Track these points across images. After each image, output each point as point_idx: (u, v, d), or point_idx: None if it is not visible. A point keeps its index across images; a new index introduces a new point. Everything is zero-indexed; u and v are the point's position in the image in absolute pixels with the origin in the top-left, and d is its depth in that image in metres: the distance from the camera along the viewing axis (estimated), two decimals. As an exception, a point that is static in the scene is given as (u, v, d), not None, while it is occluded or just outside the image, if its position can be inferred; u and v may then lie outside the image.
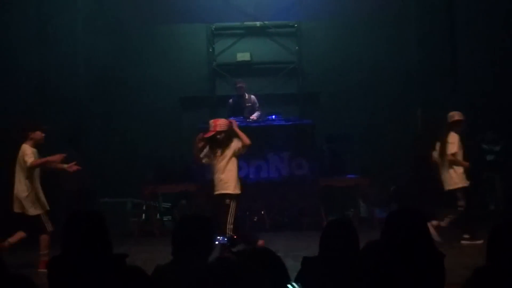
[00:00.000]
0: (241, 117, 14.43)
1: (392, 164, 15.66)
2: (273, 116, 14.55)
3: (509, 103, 14.86)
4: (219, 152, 10.81)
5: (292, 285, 4.03)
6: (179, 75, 16.97)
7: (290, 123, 14.45)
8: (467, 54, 15.69)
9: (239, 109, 14.77)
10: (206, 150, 10.90)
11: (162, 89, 16.73)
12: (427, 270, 4.16)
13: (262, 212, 13.65)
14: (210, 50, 17.52)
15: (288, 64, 17.40)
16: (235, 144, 10.85)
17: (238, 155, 10.88)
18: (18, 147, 10.37)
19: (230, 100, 15.11)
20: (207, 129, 14.57)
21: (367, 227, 12.20)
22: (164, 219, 14.60)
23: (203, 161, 10.99)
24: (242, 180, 13.83)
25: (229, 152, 10.79)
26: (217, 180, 10.76)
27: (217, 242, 10.15)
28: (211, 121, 11.27)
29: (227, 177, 10.72)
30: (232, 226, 10.41)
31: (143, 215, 14.73)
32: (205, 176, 14.34)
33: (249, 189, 12.95)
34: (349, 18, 16.77)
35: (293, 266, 4.59)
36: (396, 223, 4.33)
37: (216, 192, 10.77)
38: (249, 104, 14.81)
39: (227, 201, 10.56)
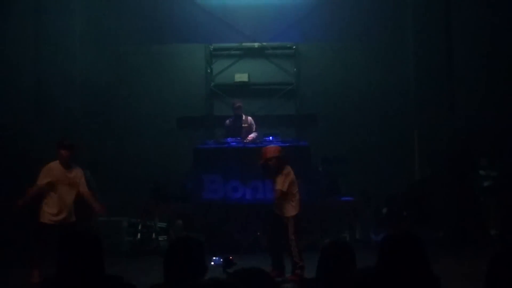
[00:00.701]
0: (238, 138, 14.47)
1: (388, 186, 15.62)
2: (270, 137, 14.49)
3: (505, 128, 14.87)
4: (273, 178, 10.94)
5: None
6: (176, 94, 17.00)
7: (287, 144, 14.38)
8: (465, 76, 15.75)
9: (236, 130, 14.77)
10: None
11: (159, 108, 16.74)
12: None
13: (258, 233, 13.60)
14: (208, 70, 17.56)
15: (285, 86, 17.42)
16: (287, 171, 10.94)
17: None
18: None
19: (227, 121, 15.08)
20: (203, 149, 14.72)
21: (363, 250, 12.13)
22: (160, 238, 14.53)
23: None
24: (238, 200, 13.97)
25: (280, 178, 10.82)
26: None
27: (212, 263, 10.19)
28: (262, 149, 11.50)
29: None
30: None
31: (139, 234, 14.67)
32: (201, 197, 14.38)
33: (245, 210, 12.97)
34: (347, 40, 16.83)
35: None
36: (389, 249, 4.29)
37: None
38: (246, 125, 14.78)
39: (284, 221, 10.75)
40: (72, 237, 4.52)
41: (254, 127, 14.83)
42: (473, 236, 14.45)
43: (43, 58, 15.71)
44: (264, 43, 17.33)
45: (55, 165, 10.51)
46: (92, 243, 4.41)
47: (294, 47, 17.51)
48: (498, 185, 14.77)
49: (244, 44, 17.34)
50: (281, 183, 10.72)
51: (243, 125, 14.79)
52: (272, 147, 11.41)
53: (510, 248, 3.97)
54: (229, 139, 14.67)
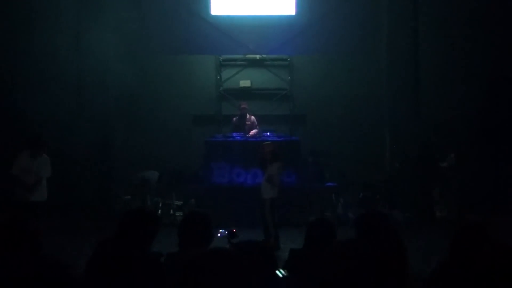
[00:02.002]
0: (242, 133, 14.49)
1: (365, 174, 15.63)
2: (268, 133, 14.53)
3: (459, 129, 14.86)
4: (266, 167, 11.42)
5: (280, 272, 3.99)
6: (192, 97, 16.93)
7: (281, 139, 14.45)
8: (429, 85, 15.73)
9: (240, 126, 14.78)
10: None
11: (177, 108, 16.67)
12: (391, 261, 4.12)
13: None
14: (218, 77, 17.46)
15: (281, 91, 17.33)
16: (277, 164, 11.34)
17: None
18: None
19: (234, 119, 15.08)
20: (213, 142, 14.75)
21: (343, 226, 12.18)
22: (176, 214, 14.53)
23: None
24: (241, 184, 13.98)
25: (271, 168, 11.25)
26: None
27: (219, 235, 10.19)
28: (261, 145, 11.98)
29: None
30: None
31: (159, 211, 14.68)
32: (210, 180, 14.39)
33: (247, 191, 12.96)
34: (332, 53, 16.73)
35: (282, 256, 4.58)
36: (364, 224, 4.31)
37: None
38: (249, 123, 14.79)
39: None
40: (136, 212, 4.53)
41: (255, 124, 14.82)
42: (431, 217, 14.55)
43: (84, 65, 15.67)
44: (264, 55, 17.23)
45: None
46: (152, 219, 4.44)
47: (288, 59, 17.41)
48: (450, 175, 14.83)
49: (247, 56, 17.23)
50: (273, 172, 11.20)
51: (246, 122, 14.79)
52: (268, 144, 11.59)
53: (466, 225, 4.01)
54: (234, 134, 14.68)
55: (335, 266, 2.99)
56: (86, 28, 15.60)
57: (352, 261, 3.01)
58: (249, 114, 14.96)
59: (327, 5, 16.55)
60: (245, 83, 17.33)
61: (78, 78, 15.81)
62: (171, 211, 14.77)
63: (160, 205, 14.90)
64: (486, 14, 15.11)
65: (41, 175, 10.31)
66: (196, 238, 4.30)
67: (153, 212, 4.59)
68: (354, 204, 14.81)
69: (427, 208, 14.87)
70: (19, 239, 4.02)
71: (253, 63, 17.48)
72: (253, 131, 14.61)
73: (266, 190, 11.20)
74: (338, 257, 3.06)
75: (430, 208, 14.97)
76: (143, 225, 4.42)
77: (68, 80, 15.38)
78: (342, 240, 3.53)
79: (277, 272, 3.94)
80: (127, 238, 4.34)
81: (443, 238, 4.08)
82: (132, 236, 4.33)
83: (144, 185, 15.00)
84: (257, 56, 17.30)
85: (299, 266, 4.26)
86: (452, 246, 3.86)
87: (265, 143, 11.95)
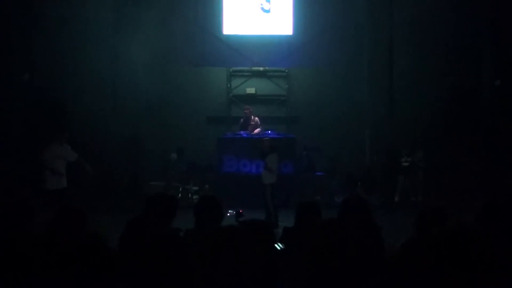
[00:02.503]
0: (247, 131, 14.52)
1: (348, 166, 15.66)
2: (269, 131, 14.56)
3: (429, 127, 14.86)
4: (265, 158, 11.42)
5: (278, 245, 4.02)
6: (206, 101, 16.96)
7: (280, 136, 14.50)
8: (400, 94, 15.73)
9: (246, 126, 14.79)
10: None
11: (195, 110, 16.71)
12: (368, 238, 4.15)
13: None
14: (228, 85, 17.47)
15: (280, 97, 17.34)
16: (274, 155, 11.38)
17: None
18: None
19: (241, 120, 15.08)
20: (224, 138, 14.76)
21: (329, 208, 12.17)
22: (194, 197, 14.56)
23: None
24: (246, 173, 13.99)
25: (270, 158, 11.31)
26: None
27: (228, 214, 10.25)
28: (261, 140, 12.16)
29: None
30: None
31: (179, 194, 14.72)
32: (222, 170, 14.42)
33: (251, 179, 12.98)
34: (322, 66, 16.73)
35: (280, 232, 4.61)
36: (346, 207, 4.34)
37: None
38: (253, 123, 14.77)
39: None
40: (159, 196, 4.58)
41: (258, 124, 14.81)
42: (403, 201, 14.60)
43: (119, 74, 15.75)
44: (266, 68, 17.26)
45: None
46: (172, 202, 4.49)
47: (286, 70, 17.40)
48: (414, 167, 14.90)
49: (253, 68, 17.23)
50: (271, 162, 11.16)
51: (251, 123, 14.78)
52: (267, 140, 11.66)
53: (429, 208, 4.04)
54: (241, 132, 14.70)
55: (320, 241, 3.02)
56: (121, 42, 15.66)
57: (334, 237, 3.04)
58: (253, 116, 14.94)
59: (318, 27, 16.55)
60: (250, 90, 17.34)
61: (114, 84, 15.88)
62: (189, 195, 14.82)
63: (180, 189, 14.95)
64: (450, 32, 15.13)
65: (71, 159, 9.70)
66: (209, 217, 4.32)
67: (173, 196, 4.60)
68: (339, 190, 14.82)
69: (393, 194, 14.98)
70: (69, 218, 4.08)
71: (257, 74, 17.48)
72: (257, 130, 14.59)
73: (266, 177, 11.23)
74: (322, 234, 3.09)
75: (399, 193, 15.08)
76: (164, 207, 4.46)
77: (105, 85, 15.44)
78: (326, 219, 3.56)
79: (276, 245, 3.97)
80: (151, 217, 4.38)
81: (411, 218, 4.10)
82: (155, 216, 4.38)
83: (167, 166, 15.07)
84: (261, 68, 17.31)
85: (291, 241, 4.28)
86: (418, 224, 3.89)
87: (264, 138, 12.05)
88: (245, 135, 14.55)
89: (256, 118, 14.96)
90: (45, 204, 8.23)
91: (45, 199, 8.90)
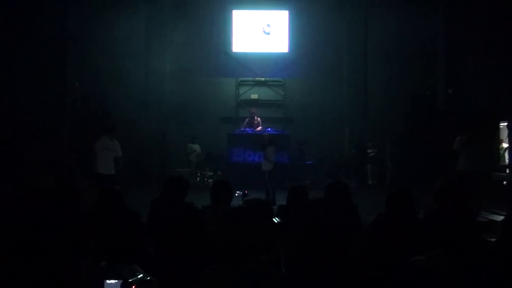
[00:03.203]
0: (251, 129, 14.50)
1: (332, 156, 15.63)
2: (268, 129, 14.51)
3: (396, 126, 14.83)
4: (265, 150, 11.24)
5: (275, 219, 4.01)
6: (219, 105, 16.92)
7: (278, 132, 14.47)
8: (374, 97, 15.73)
9: (251, 124, 14.76)
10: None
11: (210, 112, 16.65)
12: (348, 214, 4.14)
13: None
14: (237, 92, 17.44)
15: (277, 101, 17.32)
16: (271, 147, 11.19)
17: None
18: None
19: (246, 119, 15.05)
20: (233, 134, 14.71)
21: (316, 191, 12.16)
22: (209, 181, 14.56)
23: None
24: (251, 161, 13.95)
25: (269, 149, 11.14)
26: None
27: (236, 194, 10.25)
28: (262, 135, 11.94)
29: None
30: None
31: (198, 178, 14.72)
32: (231, 159, 14.41)
33: (255, 166, 12.99)
34: (312, 77, 16.69)
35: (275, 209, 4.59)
36: (330, 190, 4.32)
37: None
38: (256, 122, 14.77)
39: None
40: (173, 178, 4.57)
41: (260, 123, 14.81)
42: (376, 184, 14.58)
43: (149, 84, 15.74)
44: (267, 78, 17.23)
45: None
46: (184, 184, 4.48)
47: (282, 80, 17.35)
48: (380, 157, 14.89)
49: (256, 78, 17.23)
50: (269, 153, 11.04)
51: (254, 122, 14.77)
52: (267, 135, 11.62)
53: (396, 190, 4.02)
54: (247, 129, 14.69)
55: (309, 216, 3.02)
56: (152, 59, 15.68)
57: (322, 213, 3.04)
58: (256, 116, 14.93)
59: (308, 46, 16.50)
60: (254, 96, 17.31)
61: (145, 92, 15.81)
62: (205, 179, 14.81)
63: (198, 174, 14.95)
64: (412, 48, 15.09)
65: (117, 154, 9.34)
66: (222, 197, 4.34)
67: (183, 178, 4.58)
68: (324, 176, 14.81)
69: (366, 178, 15.07)
70: (112, 197, 4.08)
71: (260, 83, 17.43)
72: (259, 128, 14.59)
73: (265, 165, 11.16)
74: (310, 210, 3.09)
75: (371, 177, 15.13)
76: (177, 187, 4.45)
77: (139, 93, 15.37)
78: (315, 198, 3.55)
79: (274, 219, 3.96)
80: (168, 195, 4.37)
81: (382, 198, 4.07)
82: (170, 194, 4.38)
83: (190, 153, 14.93)
84: (262, 79, 17.27)
85: (285, 216, 4.27)
86: (387, 203, 3.87)
87: (264, 134, 11.99)
88: (250, 131, 14.54)
89: (259, 118, 14.94)
90: (94, 185, 8.17)
91: (95, 181, 8.80)
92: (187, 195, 4.51)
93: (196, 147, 15.12)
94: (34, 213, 2.79)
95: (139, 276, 2.39)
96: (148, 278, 2.41)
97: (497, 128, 12.77)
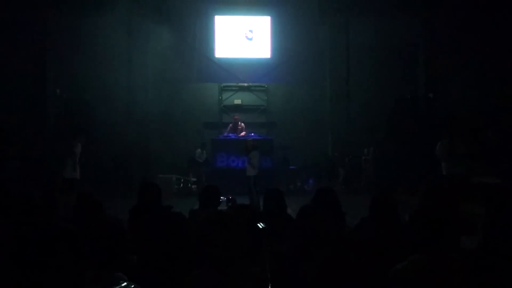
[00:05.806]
0: (235, 134, 14.47)
1: (314, 161, 15.66)
2: (252, 134, 14.53)
3: (379, 129, 14.94)
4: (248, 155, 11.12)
5: (260, 224, 3.98)
6: (202, 110, 16.91)
7: (260, 137, 14.44)
8: (356, 101, 15.84)
9: (234, 130, 14.73)
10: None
11: (193, 117, 16.64)
12: (334, 219, 4.13)
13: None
14: (220, 97, 17.43)
15: (260, 106, 17.35)
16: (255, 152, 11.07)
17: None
18: None
19: (230, 125, 15.03)
20: (217, 139, 14.65)
21: (300, 195, 12.24)
22: (193, 187, 14.51)
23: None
24: (234, 167, 13.90)
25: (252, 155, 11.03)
26: None
27: (221, 200, 10.19)
28: (245, 140, 11.82)
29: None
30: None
31: (181, 184, 14.64)
32: (215, 164, 14.36)
33: (239, 172, 12.95)
34: (294, 82, 16.79)
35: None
36: (317, 195, 4.31)
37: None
38: (240, 127, 14.76)
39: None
40: (145, 184, 4.50)
41: (244, 128, 14.80)
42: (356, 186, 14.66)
43: (132, 89, 15.54)
44: (250, 83, 17.25)
45: None
46: (155, 188, 4.42)
47: (265, 86, 17.40)
48: (370, 161, 14.96)
49: (239, 84, 17.24)
50: (253, 158, 10.97)
51: (238, 127, 14.76)
52: (250, 140, 11.58)
53: (379, 193, 4.03)
54: (230, 134, 14.66)
55: (302, 223, 3.02)
56: (134, 66, 15.54)
57: (312, 219, 3.04)
58: (239, 121, 14.93)
59: (291, 52, 16.57)
60: (237, 101, 17.34)
61: (128, 96, 15.53)
62: (189, 185, 14.74)
63: (182, 180, 14.86)
64: (393, 55, 15.18)
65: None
66: (209, 201, 4.35)
67: (154, 183, 4.52)
68: (307, 180, 14.86)
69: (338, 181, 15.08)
70: (88, 204, 3.99)
71: (243, 89, 17.45)
72: (242, 133, 14.58)
73: (249, 170, 11.09)
74: (300, 217, 3.09)
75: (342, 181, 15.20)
76: (151, 192, 4.39)
77: (121, 96, 15.04)
78: (304, 205, 3.53)
79: (258, 224, 3.93)
80: (143, 201, 4.31)
81: (366, 201, 4.07)
82: (146, 200, 4.32)
83: (192, 160, 14.84)
84: (245, 84, 17.28)
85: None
86: (370, 206, 3.87)
87: (248, 139, 11.93)
88: (233, 136, 14.50)
89: (242, 123, 14.93)
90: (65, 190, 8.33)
91: (67, 185, 9.08)
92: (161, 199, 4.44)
93: (198, 151, 15.00)
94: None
95: (123, 285, 2.34)
96: (132, 286, 2.37)
97: (478, 132, 12.95)
